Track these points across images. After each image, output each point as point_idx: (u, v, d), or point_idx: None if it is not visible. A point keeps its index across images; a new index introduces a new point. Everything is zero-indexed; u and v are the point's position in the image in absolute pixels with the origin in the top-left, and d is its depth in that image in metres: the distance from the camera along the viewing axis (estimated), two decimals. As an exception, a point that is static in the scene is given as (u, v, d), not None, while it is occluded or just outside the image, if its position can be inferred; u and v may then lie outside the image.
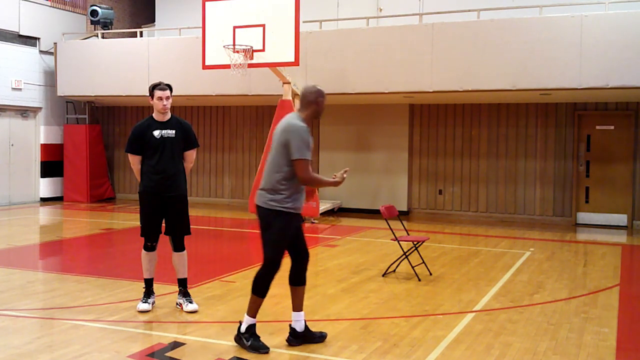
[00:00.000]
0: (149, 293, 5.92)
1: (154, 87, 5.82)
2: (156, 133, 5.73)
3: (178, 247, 5.93)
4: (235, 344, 4.84)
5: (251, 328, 4.80)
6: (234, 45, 11.13)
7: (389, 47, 12.11)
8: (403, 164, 14.09)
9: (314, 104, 4.85)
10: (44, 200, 15.70)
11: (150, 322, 5.49)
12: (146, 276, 5.94)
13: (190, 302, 5.90)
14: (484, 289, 6.96)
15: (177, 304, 5.98)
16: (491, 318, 5.73)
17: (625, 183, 12.59)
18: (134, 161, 5.85)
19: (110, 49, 14.88)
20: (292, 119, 4.80)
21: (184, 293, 5.95)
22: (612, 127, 12.76)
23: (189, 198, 6.02)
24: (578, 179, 12.94)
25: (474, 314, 5.88)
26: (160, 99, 5.75)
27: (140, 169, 5.84)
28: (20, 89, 15.01)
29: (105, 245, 10.16)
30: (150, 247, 5.90)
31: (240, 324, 4.85)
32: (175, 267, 5.98)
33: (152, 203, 5.79)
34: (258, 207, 4.82)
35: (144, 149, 5.77)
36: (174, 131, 5.81)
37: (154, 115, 5.86)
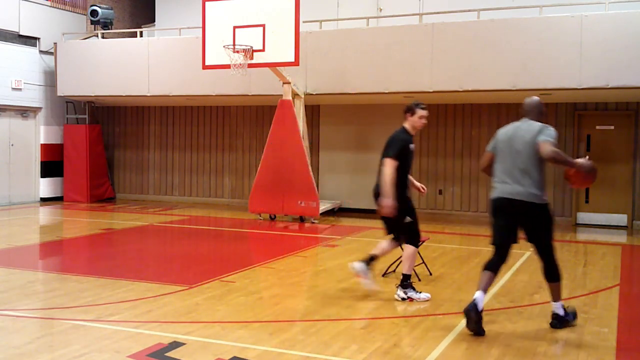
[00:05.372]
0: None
1: (416, 105, 6.42)
2: (411, 146, 6.40)
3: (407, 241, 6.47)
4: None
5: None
6: (234, 45, 11.14)
7: (389, 47, 12.11)
8: (403, 164, 14.06)
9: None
10: (44, 200, 15.70)
11: (150, 322, 5.48)
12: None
13: (416, 292, 6.35)
14: (484, 289, 6.94)
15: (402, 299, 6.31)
16: (491, 318, 5.72)
17: (625, 183, 12.59)
18: (395, 166, 6.17)
19: (110, 49, 14.88)
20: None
21: (402, 285, 6.38)
22: (612, 127, 12.76)
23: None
24: (578, 179, 12.91)
25: (474, 314, 5.87)
26: (422, 117, 6.42)
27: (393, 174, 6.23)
28: (20, 89, 15.01)
29: (105, 245, 10.15)
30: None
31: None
32: None
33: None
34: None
35: (402, 158, 6.26)
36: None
37: (408, 129, 6.46)
